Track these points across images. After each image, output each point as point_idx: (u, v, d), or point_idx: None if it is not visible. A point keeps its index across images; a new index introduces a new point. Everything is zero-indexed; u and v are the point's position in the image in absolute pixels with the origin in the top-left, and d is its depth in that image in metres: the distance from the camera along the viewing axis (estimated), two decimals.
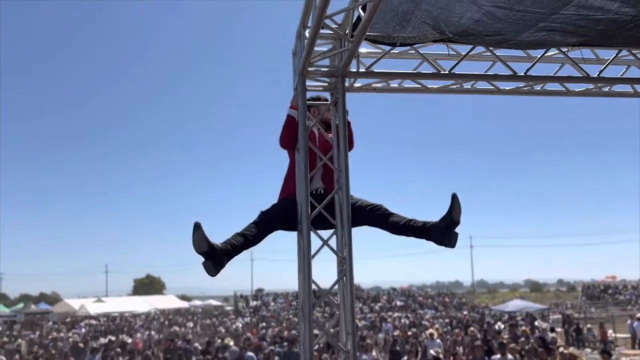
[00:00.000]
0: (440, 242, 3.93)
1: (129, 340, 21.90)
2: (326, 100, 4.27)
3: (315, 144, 4.13)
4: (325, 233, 3.99)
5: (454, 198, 3.87)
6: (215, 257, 3.70)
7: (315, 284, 3.82)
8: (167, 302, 50.17)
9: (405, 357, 14.12)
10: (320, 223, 3.96)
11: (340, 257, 3.88)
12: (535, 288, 78.50)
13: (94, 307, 41.83)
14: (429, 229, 3.93)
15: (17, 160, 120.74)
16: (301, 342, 3.84)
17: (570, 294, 62.65)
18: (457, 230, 3.86)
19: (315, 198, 3.94)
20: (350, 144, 4.15)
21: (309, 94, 4.06)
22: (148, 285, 71.44)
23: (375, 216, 4.07)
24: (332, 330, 7.97)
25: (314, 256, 3.79)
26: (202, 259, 3.70)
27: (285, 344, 14.46)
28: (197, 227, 3.63)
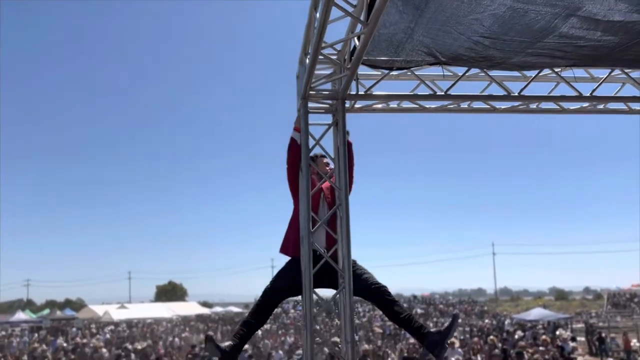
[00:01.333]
0: (430, 351, 4.26)
1: (145, 344, 22.35)
2: (324, 156, 4.51)
3: (319, 195, 4.36)
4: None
5: (454, 319, 4.30)
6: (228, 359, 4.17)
7: (317, 295, 4.05)
8: (188, 308, 50.73)
9: None
10: (322, 280, 4.18)
11: (339, 271, 4.09)
12: (560, 296, 77.07)
13: (117, 313, 42.58)
14: (424, 335, 4.23)
15: (42, 169, 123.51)
16: (304, 351, 4.06)
17: (596, 302, 61.39)
18: (446, 344, 4.23)
19: (315, 257, 4.12)
20: (351, 164, 4.40)
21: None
22: (170, 292, 72.24)
23: (379, 298, 4.31)
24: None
25: (314, 271, 4.02)
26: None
27: (299, 352, 14.65)
28: (209, 340, 4.22)
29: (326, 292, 4.36)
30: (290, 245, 4.41)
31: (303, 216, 4.09)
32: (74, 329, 36.90)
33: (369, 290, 4.30)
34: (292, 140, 4.41)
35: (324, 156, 4.55)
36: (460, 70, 4.57)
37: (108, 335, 31.54)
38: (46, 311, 49.92)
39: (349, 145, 4.40)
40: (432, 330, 4.29)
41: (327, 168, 4.51)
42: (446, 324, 4.34)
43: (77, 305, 64.43)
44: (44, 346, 23.21)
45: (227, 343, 4.19)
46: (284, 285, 4.31)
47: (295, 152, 4.36)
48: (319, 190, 4.37)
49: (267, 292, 4.33)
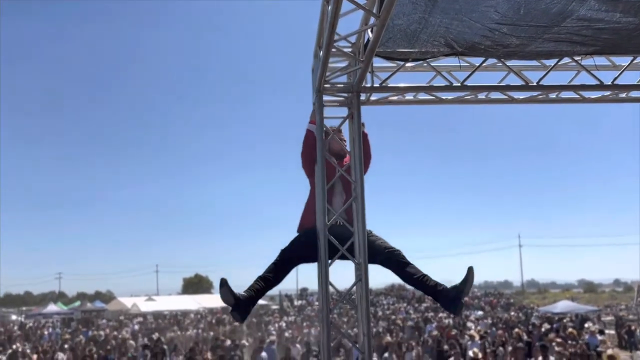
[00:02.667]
0: (446, 308, 4.25)
1: (172, 334, 22.79)
2: (339, 131, 4.48)
3: (334, 174, 4.33)
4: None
5: (470, 272, 4.14)
6: (241, 308, 4.17)
7: (334, 287, 4.07)
8: (214, 301, 51.32)
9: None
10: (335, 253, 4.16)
11: (356, 263, 4.10)
12: (589, 288, 75.75)
13: (145, 306, 43.40)
14: (439, 292, 4.18)
15: (71, 161, 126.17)
16: (320, 342, 4.09)
17: (627, 294, 60.11)
18: (463, 300, 4.17)
19: (333, 228, 4.14)
20: (367, 155, 4.40)
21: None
22: (196, 285, 73.20)
23: (392, 261, 4.31)
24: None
25: (331, 263, 4.04)
26: (230, 308, 4.19)
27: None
28: (223, 284, 4.13)
29: (343, 284, 4.36)
30: (305, 222, 4.43)
31: (319, 209, 4.10)
32: (104, 320, 37.82)
33: (383, 255, 4.30)
34: (308, 132, 4.43)
35: (339, 131, 4.53)
36: (477, 61, 4.51)
37: (136, 327, 32.21)
38: (77, 303, 51.17)
39: (365, 136, 4.40)
40: (447, 288, 4.17)
41: (344, 143, 4.51)
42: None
43: (107, 297, 65.84)
44: (81, 336, 23.86)
45: (242, 292, 4.17)
46: (300, 247, 4.32)
47: (311, 144, 4.37)
48: (334, 169, 4.34)
49: (285, 251, 4.35)
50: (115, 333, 27.02)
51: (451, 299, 4.13)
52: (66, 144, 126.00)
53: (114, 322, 36.89)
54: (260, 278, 4.28)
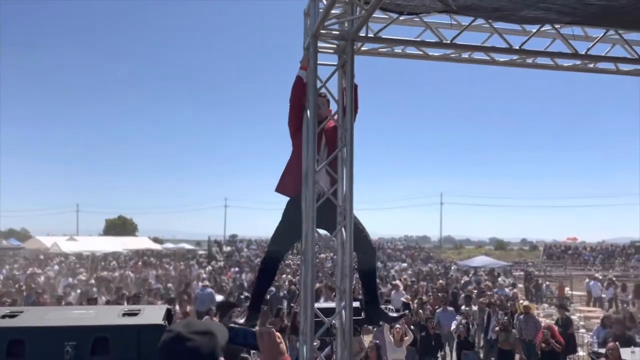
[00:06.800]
0: (367, 318, 4.99)
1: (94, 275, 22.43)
2: (324, 96, 4.54)
3: (320, 137, 4.41)
4: None
5: (404, 316, 6.13)
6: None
7: (318, 232, 4.19)
8: (139, 243, 50.42)
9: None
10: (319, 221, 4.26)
11: (340, 208, 4.22)
12: (499, 246, 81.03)
13: (66, 245, 41.88)
14: (371, 304, 4.78)
15: None
16: (302, 284, 4.23)
17: (533, 253, 65.03)
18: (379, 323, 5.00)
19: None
20: (355, 107, 4.45)
21: None
22: (120, 226, 71.15)
23: (366, 259, 4.74)
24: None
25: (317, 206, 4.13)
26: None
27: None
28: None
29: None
30: (289, 185, 4.49)
31: (308, 154, 4.15)
32: (21, 259, 36.27)
33: (362, 248, 4.61)
34: (298, 78, 4.40)
35: (324, 95, 4.57)
36: (464, 20, 4.62)
37: (57, 267, 31.23)
38: None
39: (355, 87, 4.43)
40: (382, 306, 4.96)
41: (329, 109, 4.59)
42: (395, 314, 5.34)
43: (22, 235, 62.79)
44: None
45: (243, 320, 4.67)
46: (291, 233, 4.48)
47: (301, 90, 4.37)
48: (320, 132, 4.41)
49: (271, 253, 4.69)
50: (37, 271, 26.13)
51: (370, 315, 4.79)
52: None
53: (32, 260, 35.51)
54: (257, 291, 4.83)
